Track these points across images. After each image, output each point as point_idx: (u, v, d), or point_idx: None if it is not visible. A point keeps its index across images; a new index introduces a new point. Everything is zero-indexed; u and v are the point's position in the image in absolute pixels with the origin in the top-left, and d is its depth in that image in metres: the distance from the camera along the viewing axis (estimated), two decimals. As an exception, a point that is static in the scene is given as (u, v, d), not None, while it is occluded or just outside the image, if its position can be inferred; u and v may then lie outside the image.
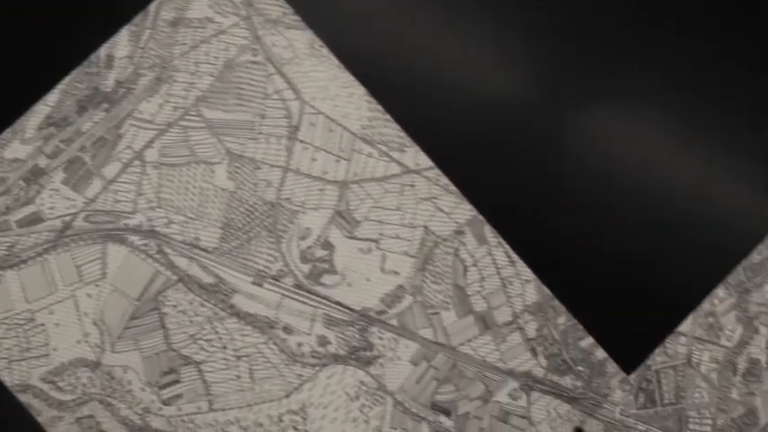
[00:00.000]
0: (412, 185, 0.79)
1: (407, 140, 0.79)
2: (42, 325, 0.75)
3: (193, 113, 0.78)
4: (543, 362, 0.79)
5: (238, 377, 0.77)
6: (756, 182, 0.83)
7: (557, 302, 0.80)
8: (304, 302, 0.77)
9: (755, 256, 0.83)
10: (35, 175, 0.76)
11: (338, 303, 0.78)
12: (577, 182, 0.81)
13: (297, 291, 0.77)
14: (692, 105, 0.83)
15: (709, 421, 0.81)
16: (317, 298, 0.78)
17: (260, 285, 0.77)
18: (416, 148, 0.79)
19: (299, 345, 0.77)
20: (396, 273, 0.78)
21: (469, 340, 0.79)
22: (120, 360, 0.76)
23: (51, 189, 0.76)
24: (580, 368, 0.80)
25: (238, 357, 0.77)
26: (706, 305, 0.82)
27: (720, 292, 0.82)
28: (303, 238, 0.78)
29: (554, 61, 0.81)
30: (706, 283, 0.82)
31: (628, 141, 0.82)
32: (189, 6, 0.77)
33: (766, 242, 0.83)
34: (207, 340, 0.77)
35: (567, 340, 0.80)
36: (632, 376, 0.80)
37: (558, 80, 0.81)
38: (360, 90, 0.79)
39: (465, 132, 0.80)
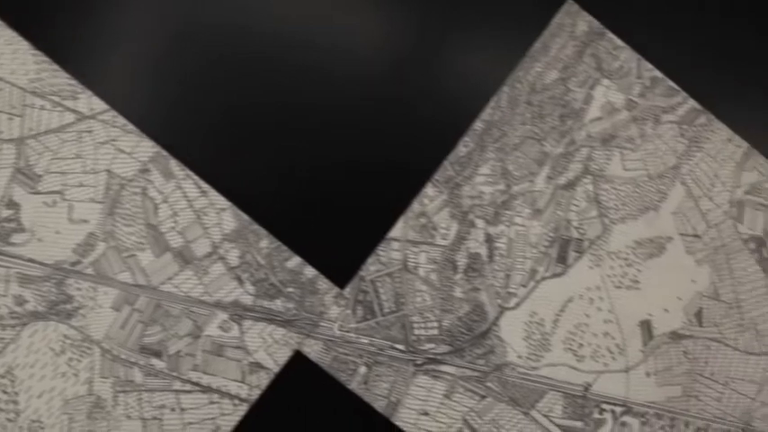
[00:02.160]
0: (89, 131, 0.81)
1: (79, 87, 0.81)
2: None
3: None
4: (251, 289, 0.81)
5: (-60, 350, 0.79)
6: (454, 73, 0.84)
7: (256, 226, 0.81)
8: (-5, 265, 0.79)
9: (461, 149, 0.84)
10: None
11: (31, 260, 0.80)
12: (258, 95, 0.82)
13: (-14, 254, 0.79)
14: None
15: (435, 324, 0.82)
16: (9, 258, 0.79)
17: (-51, 255, 0.79)
18: (89, 93, 0.81)
19: (-4, 308, 0.79)
20: (85, 221, 0.80)
21: (170, 278, 0.80)
22: None
23: None
24: (290, 289, 0.81)
25: (-63, 330, 0.79)
26: (416, 206, 0.83)
27: (429, 190, 0.83)
28: (-14, 201, 0.80)
29: (214, -16, 0.83)
30: (413, 184, 0.83)
31: (303, 35, 0.83)
32: None
33: (470, 134, 0.84)
34: None
35: (272, 263, 0.81)
36: (347, 290, 0.81)
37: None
38: (24, 45, 0.81)
39: (136, 69, 0.82)
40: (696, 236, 0.86)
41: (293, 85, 0.82)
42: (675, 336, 0.85)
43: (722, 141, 0.87)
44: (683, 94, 0.87)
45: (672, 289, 0.85)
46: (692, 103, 0.87)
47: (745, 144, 0.87)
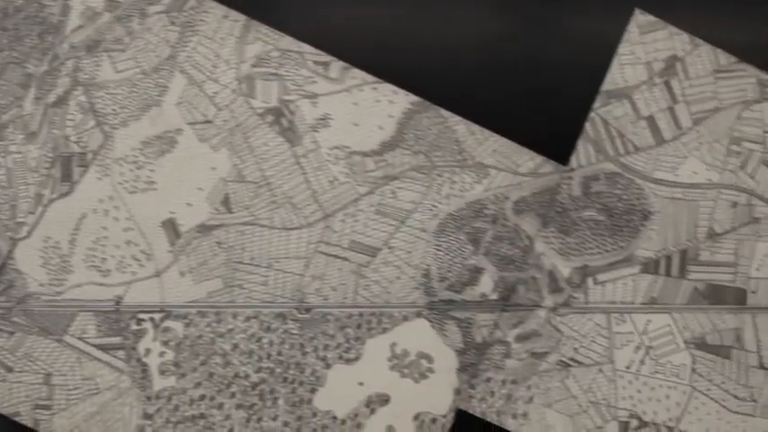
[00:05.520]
0: None
1: None
2: None
3: None
4: None
5: None
6: None
7: None
8: None
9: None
10: None
11: None
12: None
13: None
14: None
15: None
16: None
17: None
18: None
19: None
20: None
21: None
22: None
23: None
24: None
25: None
26: None
27: None
28: None
29: None
30: None
31: None
32: None
33: (-52, 73, 0.86)
34: None
35: None
36: None
37: None
38: None
39: None
40: (207, 122, 0.87)
41: None
42: (204, 228, 0.86)
43: (218, 20, 0.88)
44: (167, -19, 0.88)
45: (191, 181, 0.86)
46: (178, -12, 0.88)
47: (242, 17, 0.88)
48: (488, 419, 0.86)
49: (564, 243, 0.88)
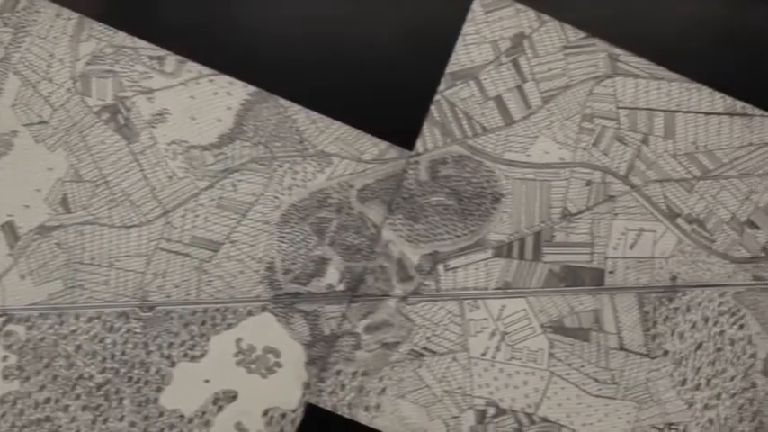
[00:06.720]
0: None
1: None
2: None
3: None
4: None
5: None
6: None
7: None
8: None
9: None
10: None
11: None
12: None
13: None
14: None
15: None
16: None
17: None
18: None
19: None
20: None
21: None
22: None
23: None
24: None
25: None
26: None
27: None
28: None
29: None
30: None
31: None
32: None
33: None
34: None
35: None
36: None
37: None
38: None
39: None
40: (43, 122, 0.87)
41: None
42: (43, 229, 0.86)
43: (50, 19, 0.88)
44: (-2, -18, 0.88)
45: (28, 183, 0.87)
46: (9, -11, 0.88)
47: (75, 15, 0.88)
48: (340, 413, 0.86)
49: (412, 230, 0.87)
